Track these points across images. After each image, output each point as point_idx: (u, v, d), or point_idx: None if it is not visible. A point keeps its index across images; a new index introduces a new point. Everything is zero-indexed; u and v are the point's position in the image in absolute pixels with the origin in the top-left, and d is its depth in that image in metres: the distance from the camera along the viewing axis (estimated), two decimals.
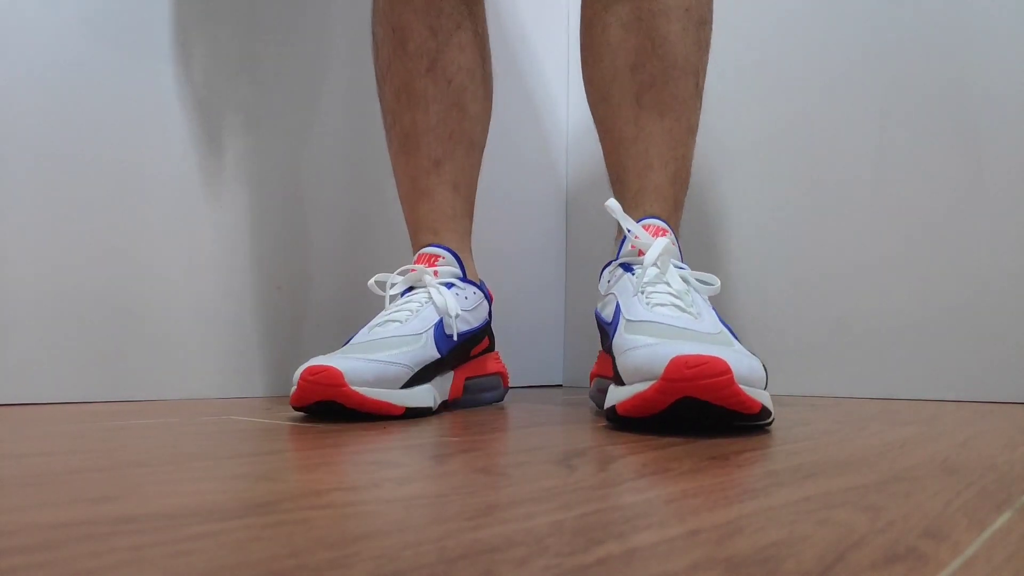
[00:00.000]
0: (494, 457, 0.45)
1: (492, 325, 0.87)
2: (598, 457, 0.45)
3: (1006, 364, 0.93)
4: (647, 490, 0.34)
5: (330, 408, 0.64)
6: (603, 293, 0.73)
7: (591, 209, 1.35)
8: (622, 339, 0.60)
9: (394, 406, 0.66)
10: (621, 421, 0.57)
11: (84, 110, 0.84)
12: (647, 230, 0.71)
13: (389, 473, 0.39)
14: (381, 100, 0.86)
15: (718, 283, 0.68)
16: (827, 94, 1.08)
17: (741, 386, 0.51)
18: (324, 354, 0.69)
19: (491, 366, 0.87)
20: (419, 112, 0.82)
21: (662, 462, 0.42)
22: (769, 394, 0.56)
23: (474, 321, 0.81)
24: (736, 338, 0.61)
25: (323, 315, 1.02)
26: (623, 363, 0.57)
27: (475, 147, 0.86)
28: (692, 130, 0.79)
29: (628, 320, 0.62)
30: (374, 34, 0.85)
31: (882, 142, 1.04)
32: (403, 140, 0.83)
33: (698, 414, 0.52)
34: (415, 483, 0.35)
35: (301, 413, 0.68)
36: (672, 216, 0.77)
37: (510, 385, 0.92)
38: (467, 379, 0.81)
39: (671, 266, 0.67)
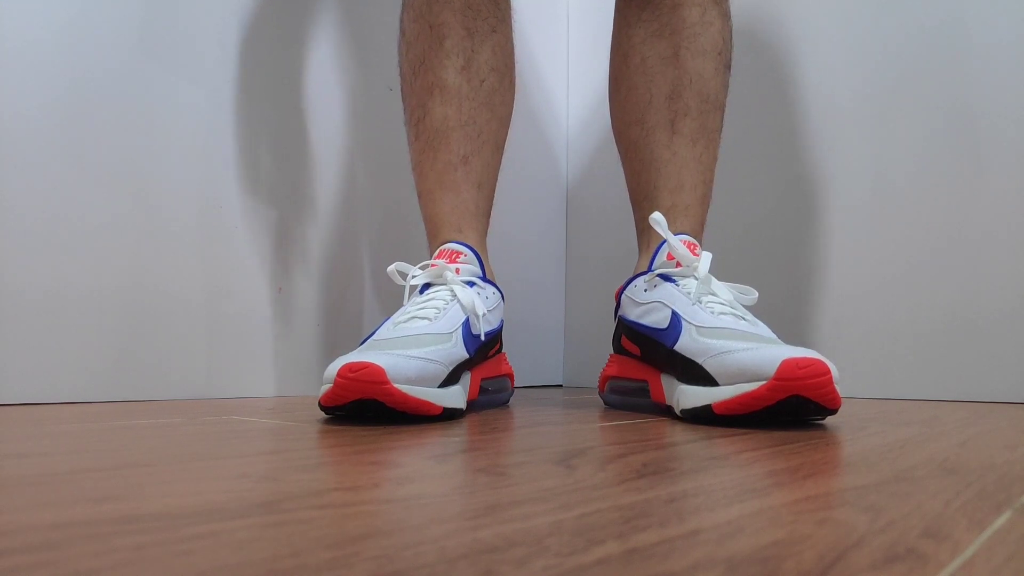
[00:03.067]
0: (494, 457, 0.45)
1: None
2: (598, 457, 0.45)
3: (1006, 364, 0.93)
4: (647, 490, 0.34)
5: (367, 408, 0.61)
6: (640, 301, 0.77)
7: (591, 209, 1.35)
8: (703, 344, 0.65)
9: (434, 405, 0.63)
10: (710, 420, 0.63)
11: (85, 111, 0.84)
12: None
13: (389, 473, 0.39)
14: (409, 95, 0.86)
15: (755, 294, 0.74)
16: (828, 95, 1.08)
17: (836, 385, 0.60)
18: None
19: (501, 367, 0.86)
20: (451, 108, 0.83)
21: (662, 462, 0.42)
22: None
23: (494, 321, 0.80)
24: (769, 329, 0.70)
25: (324, 315, 1.02)
26: (722, 365, 0.62)
27: (498, 149, 0.87)
28: (716, 160, 0.86)
29: (699, 327, 0.67)
30: (404, 31, 0.86)
31: (882, 144, 1.04)
32: (432, 135, 0.83)
33: (795, 411, 0.60)
34: (415, 483, 0.35)
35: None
36: (699, 235, 0.83)
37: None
38: (483, 380, 0.81)
39: (712, 279, 0.73)
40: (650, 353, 0.75)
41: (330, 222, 1.04)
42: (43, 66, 0.82)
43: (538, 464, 0.41)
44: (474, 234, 0.84)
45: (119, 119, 0.86)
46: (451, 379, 0.68)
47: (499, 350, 0.86)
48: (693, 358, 0.66)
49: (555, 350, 1.36)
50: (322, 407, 0.63)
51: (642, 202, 0.86)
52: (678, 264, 0.75)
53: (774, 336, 0.67)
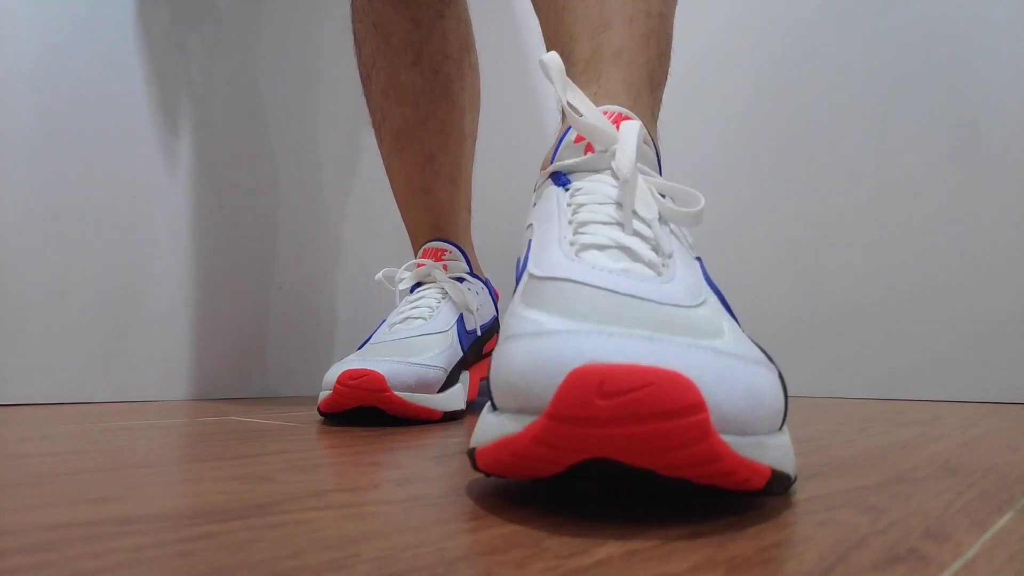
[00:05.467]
0: None
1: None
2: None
3: (1008, 365, 0.93)
4: (647, 491, 0.34)
5: (366, 413, 0.61)
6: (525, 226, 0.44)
7: None
8: (511, 316, 0.33)
9: (434, 411, 0.64)
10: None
11: (85, 111, 0.84)
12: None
13: (389, 474, 0.39)
14: (368, 99, 0.85)
15: (702, 201, 0.38)
16: (829, 98, 1.08)
17: (726, 437, 0.26)
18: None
19: None
20: (408, 107, 0.81)
21: None
22: (788, 435, 0.31)
23: (486, 316, 0.80)
24: (731, 313, 0.35)
25: (324, 315, 1.02)
26: (492, 370, 0.32)
27: (467, 139, 0.85)
28: None
29: (531, 275, 0.35)
30: (355, 32, 0.84)
31: (883, 145, 1.04)
32: (395, 137, 0.82)
33: (630, 483, 0.28)
34: (415, 484, 0.35)
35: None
36: (643, 99, 0.48)
37: None
38: (482, 379, 0.81)
39: (639, 177, 0.38)
40: None
41: (330, 221, 1.04)
42: (40, 67, 0.81)
43: None
44: (454, 229, 0.82)
45: (118, 119, 0.86)
46: (450, 381, 0.68)
47: None
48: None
49: None
50: (321, 412, 0.63)
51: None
52: (588, 149, 0.41)
53: (702, 303, 0.32)
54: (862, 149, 1.05)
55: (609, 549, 0.24)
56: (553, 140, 0.46)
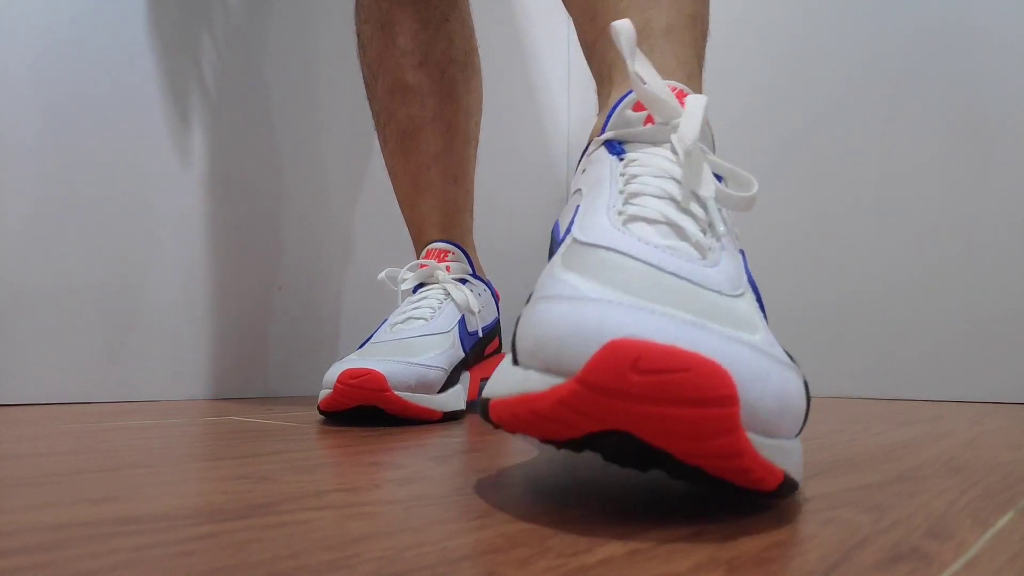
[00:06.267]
0: (495, 458, 0.45)
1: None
2: (599, 458, 0.44)
3: (1011, 364, 0.93)
4: (649, 490, 0.34)
5: (367, 413, 0.61)
6: (571, 191, 0.43)
7: None
8: (548, 274, 0.33)
9: (434, 411, 0.64)
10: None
11: (86, 110, 0.84)
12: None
13: (390, 474, 0.38)
14: (372, 99, 0.85)
15: (755, 186, 0.39)
16: (830, 93, 1.08)
17: (751, 435, 0.25)
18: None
19: None
20: (415, 107, 0.81)
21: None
22: (800, 444, 0.30)
23: (488, 318, 0.80)
24: (763, 310, 0.35)
25: (324, 314, 1.02)
26: (525, 321, 0.30)
27: (471, 141, 0.85)
28: None
29: (575, 240, 0.34)
30: (359, 33, 0.84)
31: (887, 144, 1.04)
32: (400, 138, 0.82)
33: (640, 461, 0.29)
34: (416, 484, 0.35)
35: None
36: (695, 79, 0.48)
37: None
38: (482, 380, 0.81)
39: (709, 154, 0.39)
40: None
41: (330, 221, 1.04)
42: (42, 63, 0.81)
43: (539, 465, 0.41)
44: (458, 231, 0.83)
45: (119, 118, 0.86)
46: (451, 381, 0.68)
47: (498, 349, 0.86)
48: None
49: None
50: (321, 412, 0.63)
51: (595, 41, 0.51)
52: (648, 120, 0.40)
53: (742, 294, 0.32)
54: (865, 146, 1.05)
55: (611, 548, 0.24)
56: (601, 116, 0.45)
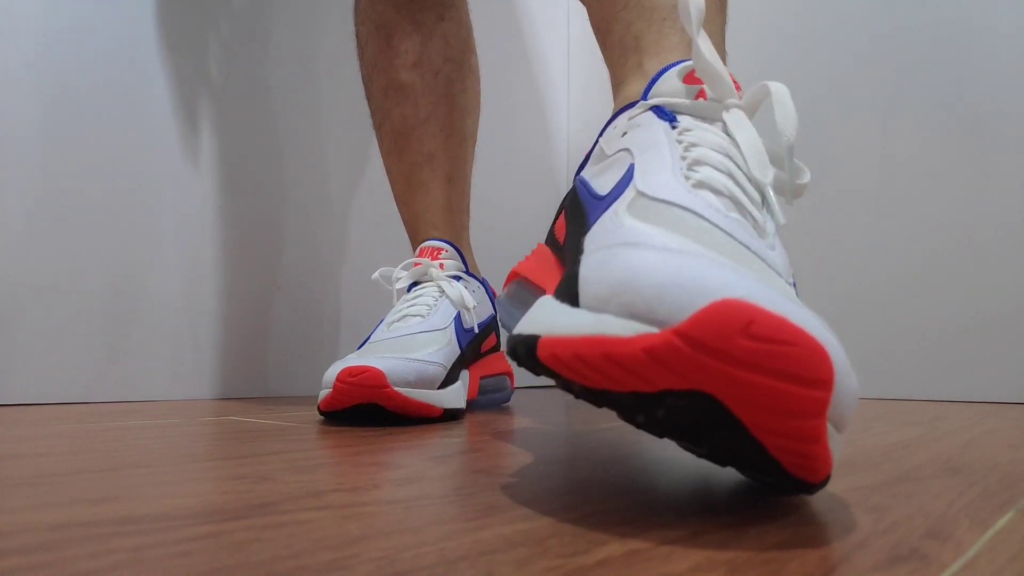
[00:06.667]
0: (494, 458, 0.45)
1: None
2: (600, 458, 0.45)
3: (1010, 364, 0.93)
4: (648, 491, 0.34)
5: (367, 411, 0.61)
6: (608, 152, 0.41)
7: None
8: (614, 225, 0.31)
9: (434, 407, 0.64)
10: (534, 367, 0.29)
11: (85, 110, 0.84)
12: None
13: (389, 474, 0.38)
14: (369, 99, 0.86)
15: (807, 175, 0.41)
16: (831, 96, 1.08)
17: (830, 425, 0.25)
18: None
19: (500, 365, 0.86)
20: (408, 107, 0.82)
21: (665, 463, 0.42)
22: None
23: (483, 314, 0.81)
24: None
25: (323, 314, 1.02)
26: (599, 265, 0.27)
27: (467, 140, 0.86)
28: None
29: (640, 193, 0.33)
30: (357, 34, 0.85)
31: (886, 143, 1.04)
32: (394, 137, 0.83)
33: (701, 431, 0.27)
34: (415, 484, 0.35)
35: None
36: (725, 64, 0.47)
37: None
38: (482, 378, 0.81)
39: (759, 139, 0.38)
40: (571, 240, 0.40)
41: (329, 220, 1.04)
42: (39, 66, 0.81)
43: (539, 465, 0.41)
44: (451, 229, 0.83)
45: (117, 119, 0.86)
46: (450, 378, 0.68)
47: (497, 347, 0.86)
48: (584, 249, 0.32)
49: None
50: (321, 412, 0.63)
51: (613, 22, 0.51)
52: (701, 94, 0.40)
53: (793, 284, 0.35)
54: (864, 144, 1.05)
55: (610, 549, 0.24)
56: (632, 85, 0.45)
